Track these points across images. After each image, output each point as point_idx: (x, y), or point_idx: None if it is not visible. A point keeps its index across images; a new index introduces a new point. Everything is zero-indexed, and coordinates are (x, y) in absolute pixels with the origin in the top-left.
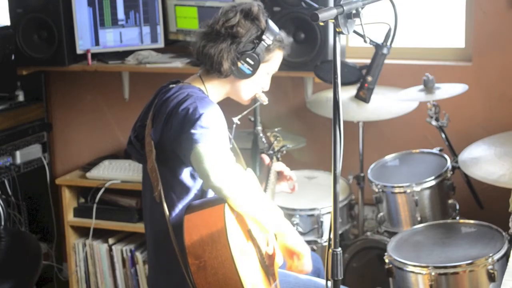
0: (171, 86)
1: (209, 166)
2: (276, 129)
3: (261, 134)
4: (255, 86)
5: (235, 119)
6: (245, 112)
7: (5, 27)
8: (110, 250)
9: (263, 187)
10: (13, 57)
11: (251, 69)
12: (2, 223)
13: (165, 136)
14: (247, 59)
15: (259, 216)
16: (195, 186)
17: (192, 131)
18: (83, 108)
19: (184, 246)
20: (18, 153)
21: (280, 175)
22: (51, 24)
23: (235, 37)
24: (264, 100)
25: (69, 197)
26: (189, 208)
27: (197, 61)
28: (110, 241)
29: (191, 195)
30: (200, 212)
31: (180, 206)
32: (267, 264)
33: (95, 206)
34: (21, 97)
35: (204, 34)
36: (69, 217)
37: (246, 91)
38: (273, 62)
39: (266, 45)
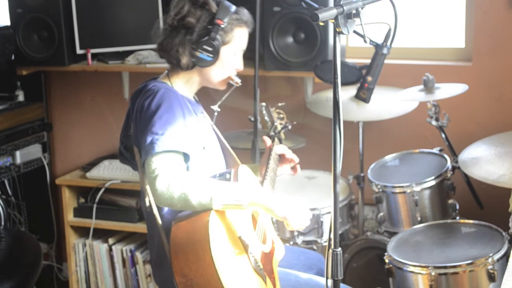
0: (139, 86)
1: (157, 176)
2: (280, 104)
3: (264, 111)
4: (225, 70)
5: (215, 107)
6: (223, 98)
7: (5, 27)
8: (110, 250)
9: (263, 171)
10: (13, 57)
11: (211, 55)
12: (2, 223)
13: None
14: (204, 47)
15: (223, 208)
16: None
17: (146, 137)
18: (83, 108)
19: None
20: (18, 153)
21: (281, 158)
22: (51, 24)
23: (188, 28)
24: (237, 81)
25: (69, 197)
26: (175, 221)
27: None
28: (110, 241)
29: None
30: (185, 226)
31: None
32: (261, 268)
33: (95, 206)
34: (21, 97)
35: (162, 30)
36: (69, 217)
37: (216, 76)
38: (236, 41)
39: (220, 27)
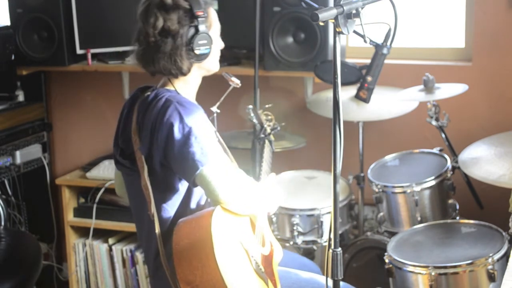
0: (146, 94)
1: (218, 186)
2: (267, 106)
3: (252, 114)
4: (216, 53)
5: (214, 109)
6: (222, 98)
7: (5, 27)
8: (110, 250)
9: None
10: (13, 57)
11: (208, 46)
12: (2, 223)
13: (154, 150)
14: (200, 42)
15: (255, 212)
16: (182, 187)
17: (191, 150)
18: (83, 108)
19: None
20: (18, 153)
21: None
22: (51, 24)
23: (173, 35)
24: (237, 82)
25: (69, 197)
26: (176, 228)
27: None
28: (110, 241)
29: (180, 197)
30: (187, 232)
31: (172, 213)
32: (263, 271)
33: (95, 206)
34: (21, 97)
35: (144, 51)
36: (69, 217)
37: (212, 63)
38: (214, 23)
39: (203, 17)
